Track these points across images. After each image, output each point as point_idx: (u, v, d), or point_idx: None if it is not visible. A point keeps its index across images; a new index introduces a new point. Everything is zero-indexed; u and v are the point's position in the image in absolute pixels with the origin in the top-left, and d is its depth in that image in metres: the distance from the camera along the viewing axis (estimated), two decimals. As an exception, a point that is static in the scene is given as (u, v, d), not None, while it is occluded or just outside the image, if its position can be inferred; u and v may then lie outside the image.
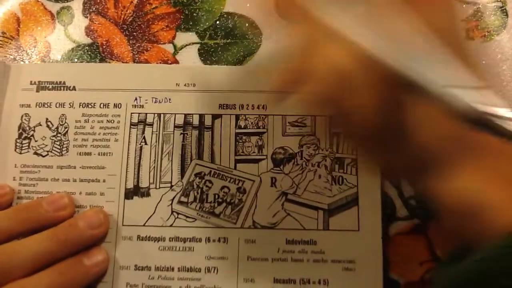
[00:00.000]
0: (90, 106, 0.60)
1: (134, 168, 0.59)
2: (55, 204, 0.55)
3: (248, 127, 0.59)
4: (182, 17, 0.64)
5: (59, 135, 0.60)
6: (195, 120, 0.60)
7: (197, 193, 0.58)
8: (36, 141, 0.60)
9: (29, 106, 0.61)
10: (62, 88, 0.61)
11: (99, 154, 0.59)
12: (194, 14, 0.64)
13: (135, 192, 0.58)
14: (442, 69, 0.38)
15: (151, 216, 0.58)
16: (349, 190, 0.57)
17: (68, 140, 0.59)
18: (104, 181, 0.58)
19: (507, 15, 0.62)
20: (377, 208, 0.56)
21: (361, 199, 0.57)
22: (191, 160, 0.59)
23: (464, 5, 0.62)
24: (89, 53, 0.63)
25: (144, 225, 0.57)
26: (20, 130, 0.60)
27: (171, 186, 0.58)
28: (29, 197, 0.58)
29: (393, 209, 0.57)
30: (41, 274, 0.52)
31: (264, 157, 0.58)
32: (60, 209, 0.55)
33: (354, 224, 0.56)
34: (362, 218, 0.56)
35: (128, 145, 0.59)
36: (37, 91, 0.61)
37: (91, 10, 0.65)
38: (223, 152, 0.59)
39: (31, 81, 0.61)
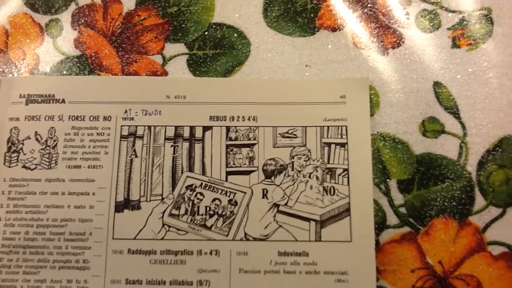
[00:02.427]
0: (79, 118, 0.58)
1: (125, 181, 0.57)
2: None
3: (239, 139, 0.57)
4: (170, 28, 0.62)
5: (48, 148, 0.57)
6: (186, 132, 0.57)
7: (189, 205, 0.56)
8: (24, 154, 0.58)
9: (18, 119, 0.58)
10: (51, 101, 0.58)
11: (88, 167, 0.57)
12: (183, 25, 0.62)
13: (125, 205, 0.56)
14: None
15: (142, 229, 0.55)
16: (341, 201, 0.55)
17: (57, 153, 0.57)
18: (93, 194, 0.56)
19: (492, 23, 0.60)
20: (370, 218, 0.55)
21: (353, 209, 0.55)
22: (182, 173, 0.57)
23: (449, 14, 0.61)
24: (78, 65, 0.61)
25: (134, 239, 0.55)
26: (9, 144, 0.58)
27: (162, 198, 0.56)
28: (18, 210, 0.56)
29: (383, 217, 0.56)
30: None
31: (255, 168, 0.56)
32: None
33: (347, 235, 0.54)
34: (355, 228, 0.54)
35: (119, 158, 0.57)
36: (27, 104, 0.59)
37: (79, 22, 0.62)
38: (214, 164, 0.57)
39: (20, 94, 0.59)
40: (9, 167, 0.57)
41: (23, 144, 0.58)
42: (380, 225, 0.56)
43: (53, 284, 0.55)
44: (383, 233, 0.56)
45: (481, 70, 0.59)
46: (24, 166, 0.57)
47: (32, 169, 0.57)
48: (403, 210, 0.56)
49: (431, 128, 0.57)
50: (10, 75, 0.61)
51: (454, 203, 0.56)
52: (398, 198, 0.56)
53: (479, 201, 0.56)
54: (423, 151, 0.57)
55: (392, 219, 0.56)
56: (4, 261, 0.55)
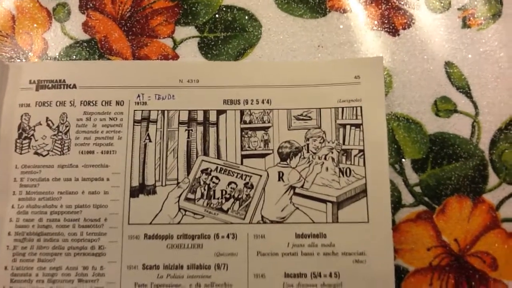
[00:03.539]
0: (91, 104, 0.57)
1: (139, 166, 0.56)
2: None
3: (253, 122, 0.56)
4: (180, 11, 0.61)
5: (60, 134, 0.56)
6: (200, 116, 0.57)
7: (204, 189, 0.55)
8: (36, 140, 0.56)
9: (28, 105, 0.57)
10: (62, 86, 0.57)
11: (102, 153, 0.56)
12: (193, 8, 0.61)
13: (140, 190, 0.55)
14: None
15: (157, 214, 0.55)
16: (357, 182, 0.55)
17: (69, 139, 0.56)
18: (108, 179, 0.55)
19: (501, 3, 0.60)
20: (386, 199, 0.54)
21: (370, 190, 0.54)
22: (197, 157, 0.56)
23: (460, -6, 0.60)
24: (88, 49, 0.60)
25: (151, 224, 0.54)
26: (20, 130, 0.57)
27: (178, 183, 0.55)
28: (31, 197, 0.55)
29: (398, 197, 0.56)
30: None
31: (271, 151, 0.56)
32: None
33: (364, 216, 0.54)
34: (371, 209, 0.54)
35: (132, 143, 0.56)
36: (37, 90, 0.57)
37: (88, 6, 0.61)
38: (229, 147, 0.56)
39: (30, 80, 0.58)
40: (21, 153, 0.56)
41: (34, 130, 0.57)
42: (396, 204, 0.56)
43: (68, 271, 0.54)
44: (399, 212, 0.55)
45: (492, 50, 0.58)
46: (36, 153, 0.56)
47: (44, 156, 0.56)
48: (418, 189, 0.56)
49: (443, 107, 0.57)
50: (19, 60, 0.60)
51: (467, 182, 0.55)
52: (413, 177, 0.56)
53: (492, 179, 0.56)
54: (436, 131, 0.57)
55: (407, 198, 0.56)
56: (18, 248, 0.54)
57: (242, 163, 0.56)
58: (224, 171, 0.55)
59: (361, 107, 0.56)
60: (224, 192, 0.55)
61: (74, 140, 0.56)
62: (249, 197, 0.55)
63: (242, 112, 0.57)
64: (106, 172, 0.55)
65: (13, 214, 0.55)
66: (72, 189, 0.55)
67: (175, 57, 0.59)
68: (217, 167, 0.56)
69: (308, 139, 0.56)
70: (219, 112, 0.57)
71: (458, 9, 0.60)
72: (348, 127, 0.56)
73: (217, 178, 0.55)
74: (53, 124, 0.56)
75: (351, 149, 0.56)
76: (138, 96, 0.57)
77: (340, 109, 0.56)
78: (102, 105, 0.57)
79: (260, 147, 0.56)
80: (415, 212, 0.55)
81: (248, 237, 0.54)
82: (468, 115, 0.57)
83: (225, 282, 0.53)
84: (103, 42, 0.60)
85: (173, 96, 0.57)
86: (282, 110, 0.57)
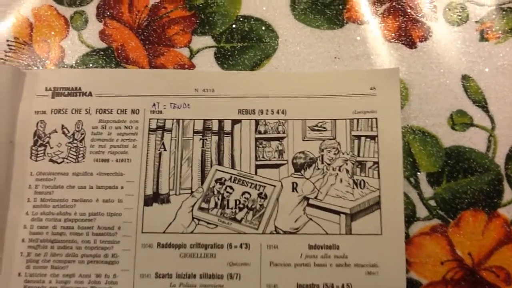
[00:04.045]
0: (107, 112, 0.57)
1: (154, 175, 0.56)
2: None
3: (268, 132, 0.56)
4: (197, 21, 0.61)
5: (75, 141, 0.56)
6: (215, 126, 0.57)
7: (218, 199, 0.55)
8: (51, 148, 0.57)
9: (44, 112, 0.57)
10: (78, 94, 0.57)
11: (117, 161, 0.56)
12: (210, 18, 0.61)
13: (154, 198, 0.55)
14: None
15: (171, 223, 0.55)
16: (371, 194, 0.54)
17: (84, 146, 0.56)
18: (122, 187, 0.55)
19: (519, 16, 0.59)
20: (400, 211, 0.54)
21: (384, 202, 0.54)
22: (211, 166, 0.56)
23: (477, 7, 0.60)
24: (104, 57, 0.60)
25: (164, 232, 0.54)
26: (36, 137, 0.57)
27: (191, 192, 0.55)
28: (45, 205, 0.55)
29: (413, 210, 0.55)
30: None
31: (285, 162, 0.56)
32: None
33: (377, 228, 0.53)
34: (385, 221, 0.54)
35: (147, 151, 0.56)
36: (53, 97, 0.57)
37: (105, 15, 0.61)
38: (243, 157, 0.56)
39: (46, 87, 0.58)
40: (36, 161, 0.56)
41: (49, 137, 0.57)
42: (410, 217, 0.55)
43: (81, 278, 0.54)
44: (413, 225, 0.55)
45: (509, 64, 0.58)
46: (51, 160, 0.56)
47: (59, 163, 0.56)
48: (432, 202, 0.55)
49: (459, 121, 0.57)
50: (35, 68, 0.60)
51: (483, 196, 0.55)
52: (428, 191, 0.56)
53: (508, 193, 0.55)
54: (452, 144, 0.56)
55: (421, 211, 0.55)
56: (32, 255, 0.54)
57: (256, 173, 0.55)
58: (238, 181, 0.55)
59: (376, 118, 0.56)
60: (237, 202, 0.55)
61: (89, 148, 0.56)
62: (263, 207, 0.54)
63: (257, 122, 0.57)
64: (121, 180, 0.55)
65: (27, 221, 0.55)
66: (87, 197, 0.55)
67: (191, 66, 0.59)
68: (231, 177, 0.55)
69: (322, 150, 0.56)
70: (234, 122, 0.57)
71: (476, 22, 0.60)
72: (363, 138, 0.56)
73: (231, 187, 0.55)
74: (68, 132, 0.57)
75: (366, 161, 0.55)
76: (154, 104, 0.57)
77: (355, 121, 0.56)
78: (117, 113, 0.57)
79: (274, 157, 0.56)
80: (429, 225, 0.55)
81: (261, 247, 0.54)
82: (484, 129, 0.56)
83: (237, 292, 0.53)
84: (119, 51, 0.60)
85: (188, 105, 0.57)
86: (297, 120, 0.56)
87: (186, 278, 0.53)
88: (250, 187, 0.55)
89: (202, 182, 0.56)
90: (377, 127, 0.56)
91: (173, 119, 0.57)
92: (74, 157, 0.56)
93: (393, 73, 0.57)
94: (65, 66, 0.60)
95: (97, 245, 0.54)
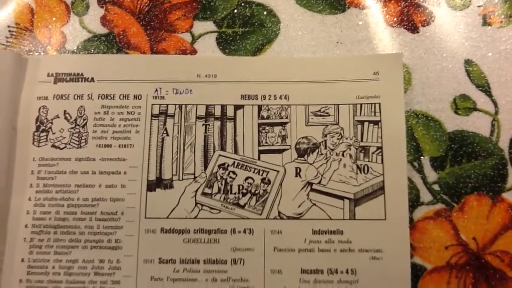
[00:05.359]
0: (109, 97, 0.57)
1: (156, 160, 0.55)
2: None
3: (271, 118, 0.56)
4: (199, 6, 0.60)
5: (77, 127, 0.56)
6: (217, 111, 0.56)
7: (221, 184, 0.54)
8: (53, 133, 0.56)
9: (46, 98, 0.57)
10: (80, 79, 0.57)
11: (119, 146, 0.55)
12: (212, 3, 0.60)
13: (157, 184, 0.55)
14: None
15: (174, 208, 0.54)
16: (375, 179, 0.54)
17: (87, 132, 0.56)
18: (125, 173, 0.55)
19: (523, 0, 0.59)
20: (404, 196, 0.54)
21: (388, 187, 0.54)
22: (214, 151, 0.55)
23: (480, -8, 0.60)
24: (106, 43, 0.59)
25: (167, 218, 0.54)
26: (38, 123, 0.56)
27: (195, 177, 0.55)
28: (48, 190, 0.55)
29: (417, 195, 0.55)
30: None
31: (288, 147, 0.55)
32: None
33: (381, 213, 0.53)
34: (389, 206, 0.53)
35: (150, 137, 0.56)
36: (55, 83, 0.57)
37: (106, 0, 0.61)
38: (246, 142, 0.56)
39: (48, 73, 0.57)
40: (38, 146, 0.56)
41: (52, 123, 0.56)
42: (414, 202, 0.55)
43: (85, 264, 0.54)
44: (417, 210, 0.55)
45: (512, 48, 0.58)
46: (53, 146, 0.56)
47: (61, 148, 0.56)
48: (436, 187, 0.55)
49: (462, 105, 0.56)
50: (37, 54, 0.60)
51: (486, 180, 0.55)
52: (431, 175, 0.55)
53: (512, 178, 0.55)
54: (455, 129, 0.56)
55: (425, 196, 0.55)
56: (35, 241, 0.54)
57: (259, 159, 0.55)
58: (241, 166, 0.55)
59: (379, 103, 0.55)
60: (241, 187, 0.55)
61: (92, 134, 0.56)
62: (266, 193, 0.54)
63: (259, 108, 0.56)
64: (123, 166, 0.55)
65: (30, 207, 0.55)
66: (89, 182, 0.55)
67: (193, 52, 0.59)
68: (234, 162, 0.55)
69: (325, 135, 0.55)
70: (237, 107, 0.56)
71: (479, 6, 0.59)
72: (366, 123, 0.55)
73: (234, 173, 0.55)
74: (70, 117, 0.56)
75: (369, 146, 0.55)
76: (156, 90, 0.57)
77: (358, 106, 0.56)
78: (120, 99, 0.57)
79: (277, 142, 0.55)
80: (433, 210, 0.55)
81: (264, 232, 0.54)
82: (487, 113, 0.56)
83: (241, 277, 0.53)
84: (121, 36, 0.59)
85: (190, 90, 0.57)
86: (300, 106, 0.56)
87: (189, 264, 0.53)
88: (253, 172, 0.55)
89: (205, 167, 0.55)
90: (380, 112, 0.55)
91: (175, 105, 0.56)
92: (77, 143, 0.56)
93: (396, 58, 0.57)
94: (67, 52, 0.59)
95: (100, 231, 0.54)
